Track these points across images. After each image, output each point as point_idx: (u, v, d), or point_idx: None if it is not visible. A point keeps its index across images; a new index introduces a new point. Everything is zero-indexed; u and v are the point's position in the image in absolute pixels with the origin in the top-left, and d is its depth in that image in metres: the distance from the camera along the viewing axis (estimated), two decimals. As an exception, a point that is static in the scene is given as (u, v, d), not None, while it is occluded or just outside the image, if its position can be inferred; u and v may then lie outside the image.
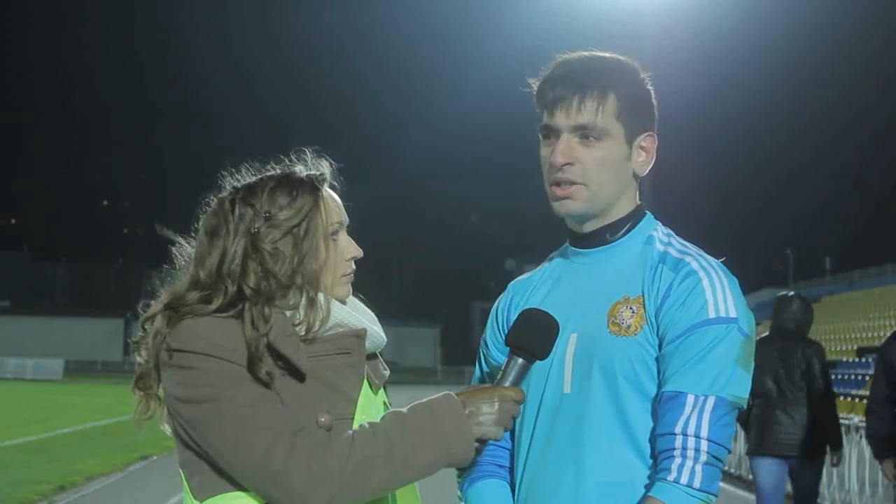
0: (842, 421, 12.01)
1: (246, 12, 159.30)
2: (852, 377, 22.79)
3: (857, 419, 12.08)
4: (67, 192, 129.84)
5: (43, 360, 59.43)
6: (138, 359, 2.05)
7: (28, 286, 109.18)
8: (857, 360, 24.81)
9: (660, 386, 2.10)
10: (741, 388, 2.08)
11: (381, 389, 2.17)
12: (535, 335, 2.12)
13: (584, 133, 2.17)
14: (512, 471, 2.30)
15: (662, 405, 2.08)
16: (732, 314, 2.10)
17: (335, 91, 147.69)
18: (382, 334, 2.18)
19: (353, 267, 2.15)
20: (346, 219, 2.16)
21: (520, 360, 2.09)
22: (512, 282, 2.43)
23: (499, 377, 2.09)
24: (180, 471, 2.04)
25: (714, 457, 2.03)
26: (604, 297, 2.19)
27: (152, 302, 2.08)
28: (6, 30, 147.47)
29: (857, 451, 11.23)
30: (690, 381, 2.05)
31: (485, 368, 2.39)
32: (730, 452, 2.09)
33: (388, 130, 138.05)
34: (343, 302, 2.13)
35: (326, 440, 1.91)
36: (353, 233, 2.19)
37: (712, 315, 2.09)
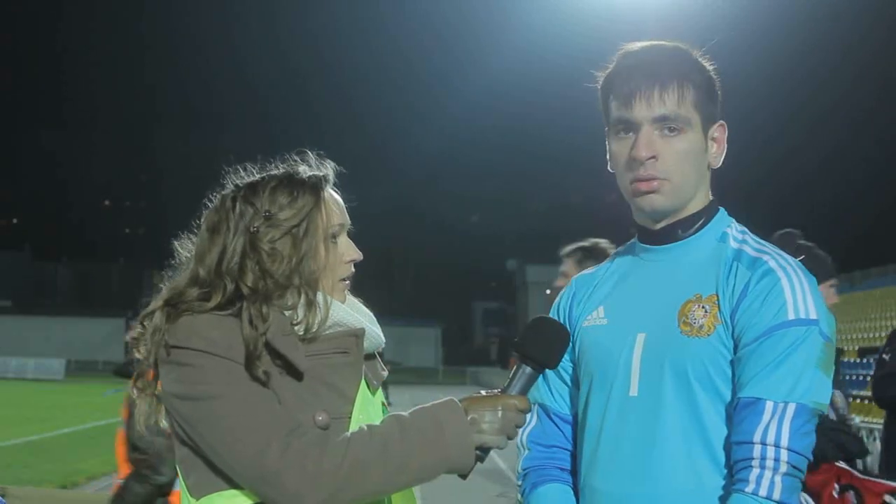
0: (843, 421, 12.06)
1: (248, 14, 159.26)
2: (853, 377, 22.77)
3: (858, 420, 12.09)
4: (68, 191, 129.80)
5: (44, 359, 59.37)
6: (137, 355, 2.04)
7: (29, 286, 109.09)
8: (858, 360, 24.76)
9: (735, 390, 2.00)
10: (822, 394, 1.97)
11: (380, 390, 2.16)
12: (545, 344, 2.08)
13: (667, 124, 2.09)
14: (574, 473, 2.24)
15: (739, 412, 1.97)
16: (813, 316, 1.99)
17: (336, 91, 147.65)
18: (381, 334, 2.17)
19: (353, 270, 2.14)
20: (347, 221, 2.14)
21: (528, 369, 2.06)
22: (575, 276, 2.36)
23: (505, 385, 2.06)
24: (177, 468, 2.04)
25: (794, 467, 1.94)
26: (674, 296, 2.10)
27: (151, 300, 2.08)
28: (8, 29, 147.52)
29: (857, 451, 11.21)
30: (769, 387, 1.94)
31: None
32: (810, 462, 1.98)
33: (389, 131, 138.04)
34: (341, 303, 2.12)
35: (322, 441, 1.90)
36: (355, 234, 2.19)
37: (791, 317, 1.98)
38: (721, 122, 2.16)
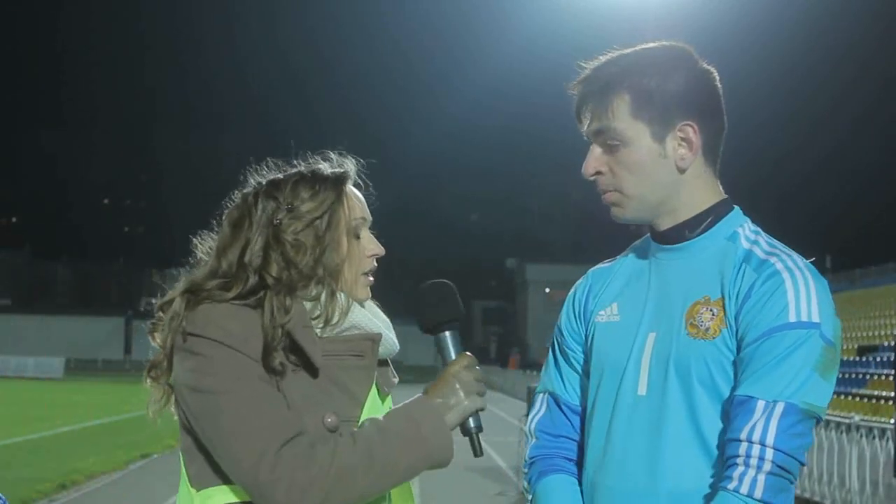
0: (842, 420, 12.04)
1: (248, 14, 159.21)
2: (853, 376, 22.78)
3: (858, 418, 12.08)
4: (68, 190, 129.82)
5: (44, 358, 59.35)
6: (153, 343, 2.06)
7: (29, 285, 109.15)
8: (857, 358, 24.77)
9: (733, 390, 2.01)
10: (817, 396, 1.96)
11: (389, 397, 2.17)
12: (441, 304, 2.13)
13: (603, 139, 2.11)
14: (580, 465, 2.25)
15: (733, 410, 1.98)
16: (815, 319, 1.98)
17: (336, 91, 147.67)
18: (396, 341, 2.17)
19: (375, 265, 2.15)
20: (368, 216, 2.17)
21: (447, 334, 2.11)
22: (592, 269, 2.35)
23: (442, 360, 2.11)
24: (180, 455, 2.05)
25: (780, 467, 1.92)
26: (683, 297, 2.10)
27: (153, 300, 2.09)
28: (8, 28, 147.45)
29: (857, 449, 11.22)
30: (762, 387, 1.95)
31: (559, 357, 2.31)
32: (803, 465, 1.98)
33: (389, 131, 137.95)
34: (361, 305, 2.13)
35: (310, 451, 1.91)
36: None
37: (793, 319, 1.97)
38: (688, 122, 2.10)
